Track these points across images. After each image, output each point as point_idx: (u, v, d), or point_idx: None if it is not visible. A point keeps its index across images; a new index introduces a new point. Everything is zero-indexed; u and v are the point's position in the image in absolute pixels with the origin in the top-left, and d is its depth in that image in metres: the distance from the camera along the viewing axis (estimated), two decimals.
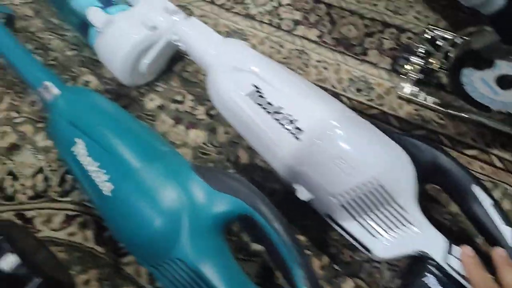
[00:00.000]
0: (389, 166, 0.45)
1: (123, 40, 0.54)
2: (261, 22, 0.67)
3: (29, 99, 0.62)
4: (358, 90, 0.60)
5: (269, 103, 0.48)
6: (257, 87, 0.49)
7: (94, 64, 0.64)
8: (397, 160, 0.45)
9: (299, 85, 0.49)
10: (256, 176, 0.56)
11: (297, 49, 0.64)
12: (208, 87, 0.53)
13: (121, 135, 0.48)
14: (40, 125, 0.60)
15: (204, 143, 0.58)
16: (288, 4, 0.68)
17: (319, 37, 0.65)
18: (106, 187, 0.45)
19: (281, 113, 0.47)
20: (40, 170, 0.57)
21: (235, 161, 0.57)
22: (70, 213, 0.55)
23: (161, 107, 0.60)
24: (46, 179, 0.57)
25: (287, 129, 0.47)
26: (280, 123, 0.47)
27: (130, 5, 0.59)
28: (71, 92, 0.54)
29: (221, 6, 0.68)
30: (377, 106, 0.59)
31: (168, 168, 0.46)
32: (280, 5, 0.68)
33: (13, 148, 0.59)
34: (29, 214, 0.55)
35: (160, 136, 0.51)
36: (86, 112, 0.50)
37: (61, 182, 0.56)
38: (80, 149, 0.47)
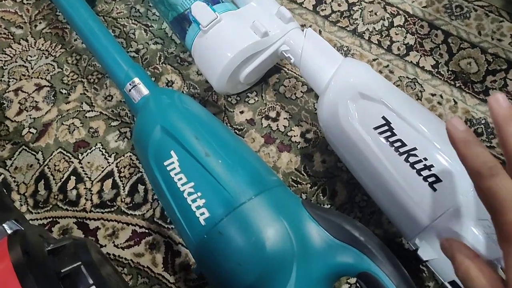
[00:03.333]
0: None
1: (230, 43, 0.48)
2: (370, 41, 0.60)
3: (105, 92, 0.56)
4: (477, 133, 0.54)
5: (400, 142, 0.41)
6: (387, 121, 0.42)
7: (180, 62, 0.58)
8: None
9: (437, 125, 0.43)
10: (354, 216, 0.49)
11: (408, 77, 0.58)
12: (321, 109, 0.46)
13: (223, 154, 0.42)
14: (114, 123, 0.54)
15: (297, 170, 0.52)
16: (401, 26, 0.61)
17: (434, 67, 0.58)
18: (200, 214, 0.39)
19: (414, 155, 0.41)
20: (109, 175, 0.51)
21: (331, 196, 0.50)
22: (138, 229, 0.48)
23: (251, 122, 0.54)
24: (115, 185, 0.50)
25: (421, 175, 0.40)
26: (412, 166, 0.40)
27: (237, 6, 0.53)
28: (163, 94, 0.48)
29: (326, 17, 0.62)
30: (498, 155, 0.52)
31: (277, 203, 0.40)
32: (392, 26, 0.61)
33: (82, 145, 0.53)
34: (92, 224, 0.49)
35: (263, 160, 0.44)
36: (182, 120, 0.44)
37: (131, 192, 0.50)
38: (175, 163, 0.41)
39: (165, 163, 0.42)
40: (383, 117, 0.43)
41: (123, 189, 0.51)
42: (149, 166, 0.44)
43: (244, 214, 0.38)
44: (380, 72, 0.59)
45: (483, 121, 0.55)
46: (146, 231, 0.49)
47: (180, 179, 0.41)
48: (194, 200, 0.39)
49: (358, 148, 0.44)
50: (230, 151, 0.43)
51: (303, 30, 0.50)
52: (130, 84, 0.49)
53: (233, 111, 0.56)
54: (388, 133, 0.43)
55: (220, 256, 0.38)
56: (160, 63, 0.58)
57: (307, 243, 0.38)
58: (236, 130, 0.54)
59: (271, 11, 0.51)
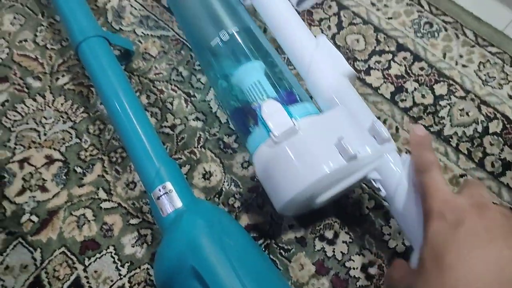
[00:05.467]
0: None
1: (307, 166, 0.36)
2: (457, 150, 0.49)
3: (128, 177, 0.46)
4: None
5: None
6: None
7: (223, 149, 0.48)
8: None
9: None
10: None
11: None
12: None
13: None
14: (133, 221, 0.44)
15: None
16: (497, 134, 0.50)
17: None
18: None
19: None
20: None
21: None
22: None
23: (302, 242, 0.44)
24: None
25: None
26: None
27: (318, 106, 0.43)
28: (202, 214, 0.38)
29: (405, 110, 0.52)
30: None
31: None
32: (487, 132, 0.50)
33: (91, 246, 0.43)
34: None
35: None
36: (221, 264, 0.34)
37: None
38: None
39: None
40: None
41: None
42: None
43: None
44: None
45: None
46: None
47: None
48: None
49: None
50: None
51: (400, 154, 0.39)
52: (160, 190, 0.39)
53: (281, 223, 0.45)
54: None
55: None
56: (199, 146, 0.48)
57: None
58: (281, 250, 0.44)
59: (362, 122, 0.40)
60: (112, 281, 0.43)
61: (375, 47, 0.56)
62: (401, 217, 0.37)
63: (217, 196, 0.47)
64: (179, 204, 0.39)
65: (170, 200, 0.39)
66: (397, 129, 0.51)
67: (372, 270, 0.44)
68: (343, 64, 0.42)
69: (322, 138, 0.37)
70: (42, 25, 0.55)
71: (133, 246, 0.44)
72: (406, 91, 0.53)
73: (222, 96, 0.46)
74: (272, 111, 0.38)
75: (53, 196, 0.46)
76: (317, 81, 0.43)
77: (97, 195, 0.46)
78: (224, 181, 0.47)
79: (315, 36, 0.45)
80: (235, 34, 0.45)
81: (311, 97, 0.44)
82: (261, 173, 0.39)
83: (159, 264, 0.37)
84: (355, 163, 0.37)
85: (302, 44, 0.44)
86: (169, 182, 0.40)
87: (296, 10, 0.47)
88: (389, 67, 0.55)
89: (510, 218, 0.31)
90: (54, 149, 0.48)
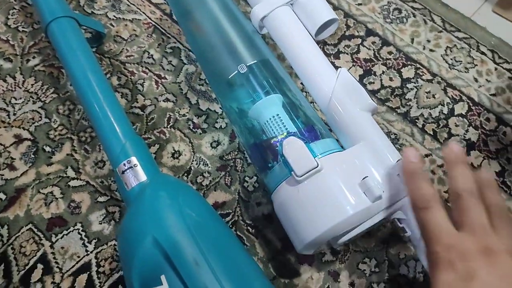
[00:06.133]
0: None
1: (330, 207, 0.35)
2: (423, 131, 0.50)
3: (97, 156, 0.46)
4: None
5: None
6: None
7: (192, 129, 0.49)
8: None
9: None
10: None
11: None
12: None
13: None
14: (101, 198, 0.44)
15: None
16: (463, 116, 0.51)
17: (500, 175, 0.48)
18: None
19: None
20: (85, 267, 0.41)
21: None
22: None
23: (269, 219, 0.44)
24: (90, 284, 0.41)
25: None
26: None
27: (340, 143, 0.42)
28: (165, 187, 0.38)
29: (373, 92, 0.53)
30: None
31: None
32: (453, 114, 0.51)
33: (58, 223, 0.43)
34: None
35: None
36: (181, 234, 0.34)
37: None
38: None
39: None
40: None
41: None
42: (131, 286, 0.34)
43: None
44: (433, 172, 0.48)
45: None
46: None
47: None
48: None
49: None
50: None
51: None
52: (124, 164, 0.40)
53: (249, 201, 0.46)
54: None
55: None
56: (169, 126, 0.49)
57: None
58: (249, 227, 0.44)
59: (386, 159, 0.38)
60: (78, 257, 0.43)
61: (344, 32, 0.57)
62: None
63: (185, 174, 0.47)
64: (143, 178, 0.39)
65: (135, 174, 0.39)
66: None
67: None
68: (366, 98, 0.40)
69: (346, 177, 0.36)
70: (15, 8, 0.55)
71: (101, 223, 0.44)
72: (375, 74, 0.54)
73: (239, 129, 0.45)
74: (294, 150, 0.36)
75: (21, 174, 0.46)
76: (338, 115, 0.40)
77: (66, 174, 0.46)
78: (193, 160, 0.48)
79: (335, 68, 0.42)
80: (254, 67, 0.43)
81: (330, 130, 0.43)
82: (281, 211, 0.38)
83: (122, 235, 0.37)
84: (380, 203, 0.35)
85: (321, 77, 0.42)
86: (134, 157, 0.40)
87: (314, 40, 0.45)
88: (358, 51, 0.56)
89: None
90: (23, 128, 0.48)
